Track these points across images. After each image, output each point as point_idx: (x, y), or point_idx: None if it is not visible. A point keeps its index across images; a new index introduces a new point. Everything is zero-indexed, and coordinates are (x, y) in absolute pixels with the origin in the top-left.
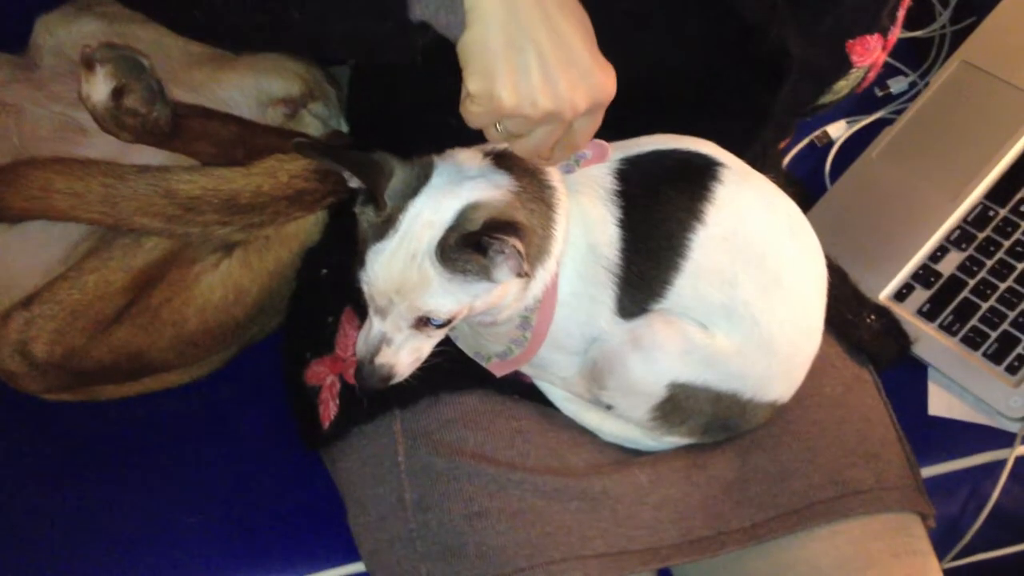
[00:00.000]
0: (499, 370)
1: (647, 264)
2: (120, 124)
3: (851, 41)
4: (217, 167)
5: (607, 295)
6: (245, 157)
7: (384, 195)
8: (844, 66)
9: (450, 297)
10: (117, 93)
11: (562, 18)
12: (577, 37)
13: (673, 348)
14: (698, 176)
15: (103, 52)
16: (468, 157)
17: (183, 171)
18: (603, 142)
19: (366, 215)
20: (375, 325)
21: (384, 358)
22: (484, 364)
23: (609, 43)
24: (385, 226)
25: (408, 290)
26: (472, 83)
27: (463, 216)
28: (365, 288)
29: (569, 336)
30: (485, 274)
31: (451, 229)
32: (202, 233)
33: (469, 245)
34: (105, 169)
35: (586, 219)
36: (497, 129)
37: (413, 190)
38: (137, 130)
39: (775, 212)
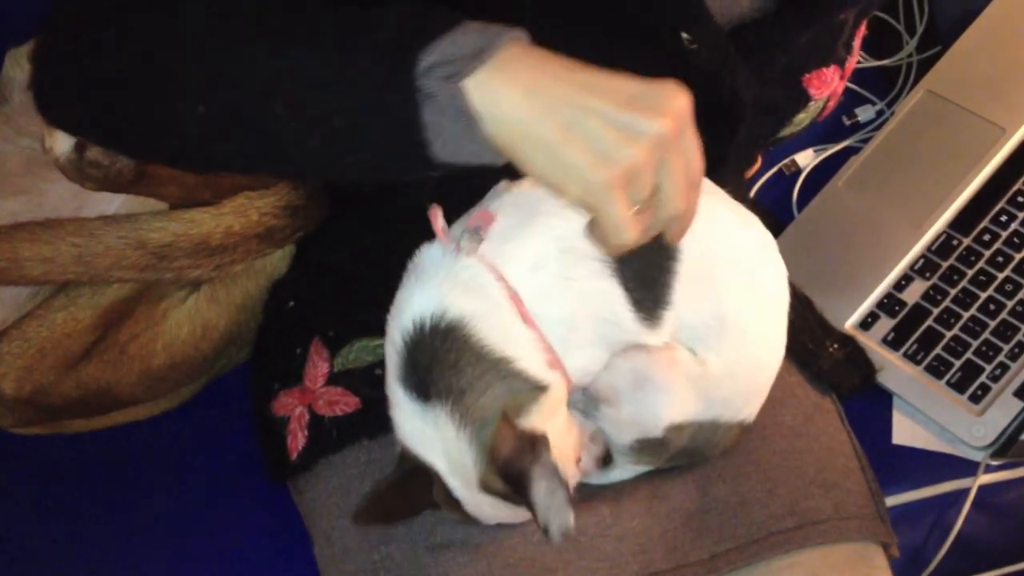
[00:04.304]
0: None
1: (644, 267)
2: (84, 175)
3: (807, 76)
4: (186, 210)
5: (613, 289)
6: (212, 197)
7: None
8: (802, 100)
9: None
10: (80, 147)
11: (585, 71)
12: (611, 77)
13: (676, 390)
14: None
15: None
16: None
17: (152, 218)
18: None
19: None
20: None
21: None
22: None
23: None
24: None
25: None
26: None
27: None
28: None
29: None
30: None
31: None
32: (175, 278)
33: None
34: (72, 229)
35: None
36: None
37: None
38: (101, 180)
39: (748, 225)
